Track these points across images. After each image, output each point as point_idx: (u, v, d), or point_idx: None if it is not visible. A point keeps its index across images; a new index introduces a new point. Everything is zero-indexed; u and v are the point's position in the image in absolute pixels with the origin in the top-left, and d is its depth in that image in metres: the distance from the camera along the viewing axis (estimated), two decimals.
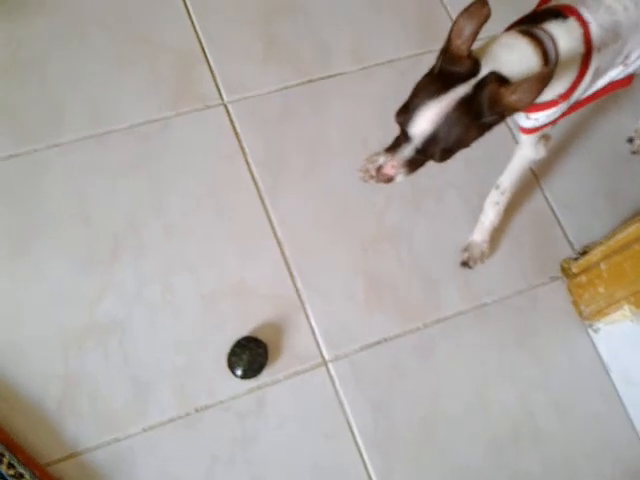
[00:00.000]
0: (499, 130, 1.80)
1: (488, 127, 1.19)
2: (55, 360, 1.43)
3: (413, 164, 1.23)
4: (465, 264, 1.66)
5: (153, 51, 1.74)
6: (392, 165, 1.22)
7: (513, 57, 1.18)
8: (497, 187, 1.58)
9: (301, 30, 1.85)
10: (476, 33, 1.13)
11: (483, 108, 1.14)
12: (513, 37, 1.21)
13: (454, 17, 1.15)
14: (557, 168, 1.83)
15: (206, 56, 1.77)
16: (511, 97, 1.13)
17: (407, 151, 1.20)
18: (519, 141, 1.51)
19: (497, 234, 1.68)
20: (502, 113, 1.17)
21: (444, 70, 1.16)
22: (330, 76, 1.82)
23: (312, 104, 1.77)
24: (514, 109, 1.16)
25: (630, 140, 1.88)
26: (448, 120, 1.14)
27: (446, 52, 1.15)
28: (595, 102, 1.88)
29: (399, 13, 1.92)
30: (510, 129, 1.80)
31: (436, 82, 1.16)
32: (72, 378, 1.42)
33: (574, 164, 1.84)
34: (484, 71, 1.15)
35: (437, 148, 1.18)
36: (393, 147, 1.22)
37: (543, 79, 1.12)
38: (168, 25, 1.79)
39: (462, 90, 1.14)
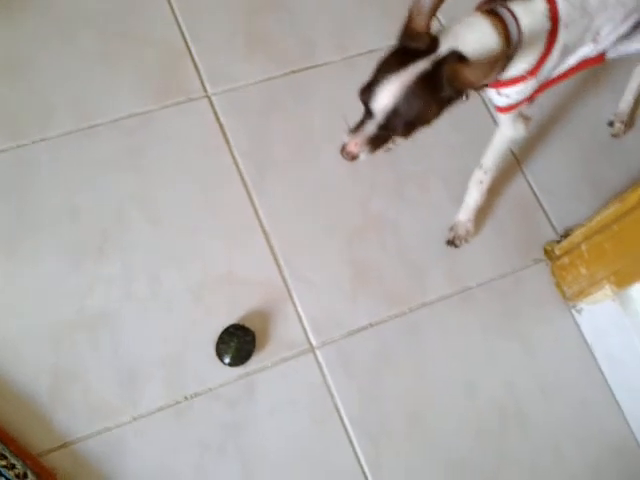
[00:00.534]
0: (480, 116, 1.83)
1: (448, 102, 1.22)
2: (46, 352, 1.44)
3: (376, 141, 1.25)
4: (451, 243, 1.68)
5: (137, 45, 1.75)
6: (355, 143, 1.24)
7: (473, 36, 1.20)
8: (480, 167, 1.59)
9: (284, 21, 1.86)
10: (435, 9, 1.15)
11: (442, 83, 1.17)
12: (475, 16, 1.23)
13: None
14: (539, 152, 1.84)
15: (189, 49, 1.77)
16: (468, 74, 1.16)
17: (370, 127, 1.22)
18: (498, 121, 1.53)
19: (481, 219, 1.70)
20: (460, 89, 1.19)
21: (404, 47, 1.18)
22: (313, 67, 1.83)
23: (295, 95, 1.78)
24: (471, 86, 1.19)
25: (610, 124, 1.89)
26: (408, 94, 1.16)
27: (406, 29, 1.18)
28: (575, 86, 1.90)
29: (380, 4, 1.93)
30: (491, 114, 1.81)
31: (396, 58, 1.19)
32: (63, 370, 1.43)
33: (555, 148, 1.85)
34: (444, 48, 1.18)
35: (399, 122, 1.20)
36: (357, 127, 1.24)
37: (496, 62, 1.16)
38: (151, 19, 1.80)
39: (422, 65, 1.16)
